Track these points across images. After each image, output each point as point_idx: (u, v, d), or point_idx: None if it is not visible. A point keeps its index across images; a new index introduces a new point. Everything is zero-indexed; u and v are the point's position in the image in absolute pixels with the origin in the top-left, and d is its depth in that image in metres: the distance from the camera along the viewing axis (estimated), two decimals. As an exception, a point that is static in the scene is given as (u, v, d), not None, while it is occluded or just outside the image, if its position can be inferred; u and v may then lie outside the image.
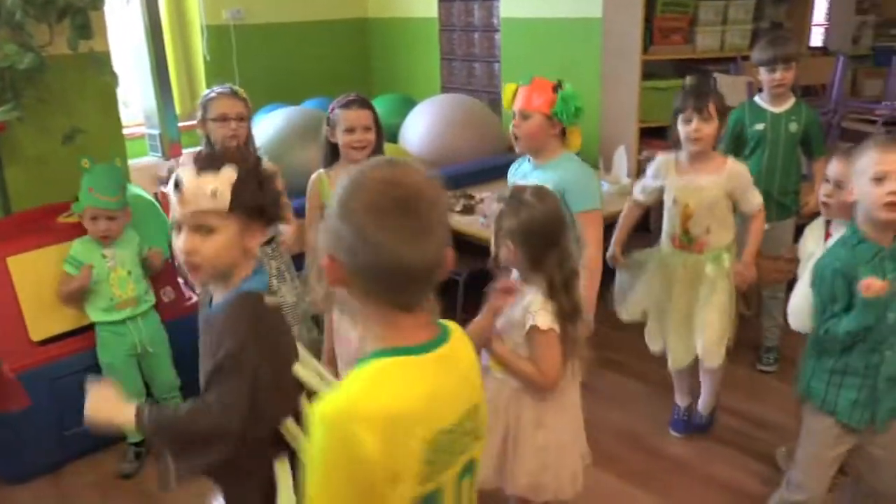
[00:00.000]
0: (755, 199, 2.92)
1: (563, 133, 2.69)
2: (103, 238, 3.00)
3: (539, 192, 2.17)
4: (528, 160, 2.80)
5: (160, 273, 3.23)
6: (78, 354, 3.03)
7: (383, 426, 1.13)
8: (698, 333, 2.94)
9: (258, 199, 1.60)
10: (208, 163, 1.59)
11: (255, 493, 1.65)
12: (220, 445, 1.55)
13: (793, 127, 3.45)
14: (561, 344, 2.12)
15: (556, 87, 2.63)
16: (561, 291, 2.10)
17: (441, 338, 1.26)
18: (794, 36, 4.64)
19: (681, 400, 3.21)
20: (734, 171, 2.89)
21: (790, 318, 2.68)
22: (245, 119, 2.99)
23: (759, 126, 3.47)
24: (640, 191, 3.09)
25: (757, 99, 3.55)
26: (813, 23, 5.48)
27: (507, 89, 2.76)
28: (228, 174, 1.57)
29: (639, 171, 4.57)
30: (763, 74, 3.46)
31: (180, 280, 3.39)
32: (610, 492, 2.81)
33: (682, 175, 2.92)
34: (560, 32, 5.09)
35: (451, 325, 1.32)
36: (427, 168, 1.23)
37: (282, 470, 1.63)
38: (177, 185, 1.60)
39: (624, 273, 3.13)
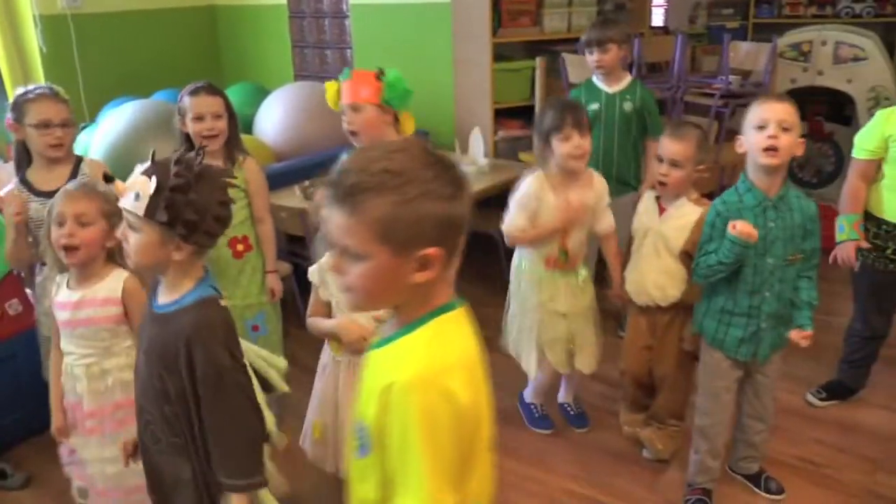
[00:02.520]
0: (610, 218, 2.87)
1: (396, 119, 2.66)
2: None
3: None
4: None
5: (4, 285, 3.00)
6: None
7: (466, 373, 1.22)
8: (580, 351, 2.97)
9: (167, 217, 1.59)
10: (151, 167, 1.65)
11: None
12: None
13: (627, 106, 3.55)
14: None
15: (379, 76, 2.59)
16: None
17: (457, 297, 1.31)
18: (630, 18, 4.84)
19: (536, 397, 3.19)
20: (601, 186, 2.84)
21: (635, 297, 2.80)
22: (70, 125, 2.71)
23: (594, 106, 3.56)
24: (527, 219, 2.77)
25: (594, 78, 3.64)
26: (654, 4, 5.74)
27: (329, 88, 2.71)
28: (152, 182, 1.60)
29: (495, 151, 4.66)
30: (586, 55, 3.57)
31: (28, 291, 3.19)
32: (512, 479, 2.84)
33: (559, 194, 2.76)
34: (410, 17, 5.10)
35: None
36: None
37: None
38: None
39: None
